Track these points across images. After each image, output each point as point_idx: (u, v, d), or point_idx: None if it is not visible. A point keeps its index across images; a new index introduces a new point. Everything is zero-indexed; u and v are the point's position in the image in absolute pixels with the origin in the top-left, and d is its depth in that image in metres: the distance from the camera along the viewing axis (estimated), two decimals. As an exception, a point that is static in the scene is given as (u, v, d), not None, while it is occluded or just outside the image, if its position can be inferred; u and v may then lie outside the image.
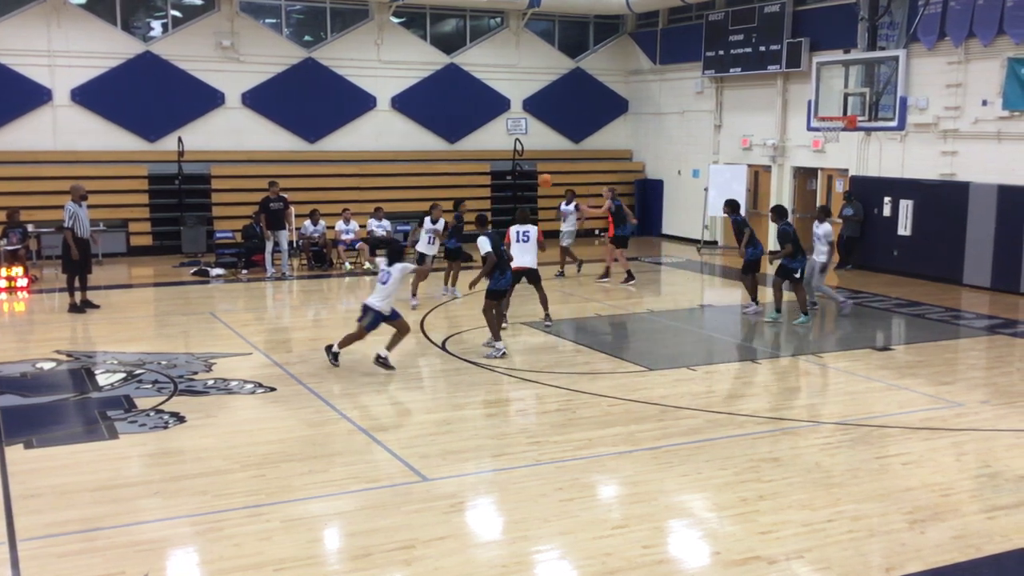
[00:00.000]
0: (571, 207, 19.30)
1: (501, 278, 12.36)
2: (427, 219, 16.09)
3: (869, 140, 19.80)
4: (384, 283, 11.19)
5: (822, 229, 14.73)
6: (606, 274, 18.29)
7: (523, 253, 13.39)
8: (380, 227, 20.76)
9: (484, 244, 12.24)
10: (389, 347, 11.33)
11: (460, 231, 16.34)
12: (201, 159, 22.04)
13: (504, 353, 12.02)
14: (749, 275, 15.10)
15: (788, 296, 14.63)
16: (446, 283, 16.47)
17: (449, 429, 9.24)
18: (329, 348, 11.56)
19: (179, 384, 10.74)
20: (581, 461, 8.32)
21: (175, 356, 12.09)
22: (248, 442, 8.80)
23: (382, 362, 11.26)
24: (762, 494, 7.54)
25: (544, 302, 13.92)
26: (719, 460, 8.30)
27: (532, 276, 13.62)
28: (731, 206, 15.37)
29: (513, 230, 13.63)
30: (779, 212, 14.81)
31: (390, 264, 11.35)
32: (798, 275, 14.16)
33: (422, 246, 15.88)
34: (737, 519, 7.06)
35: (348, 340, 11.42)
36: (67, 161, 21.08)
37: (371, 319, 11.22)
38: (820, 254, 14.60)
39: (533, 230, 13.48)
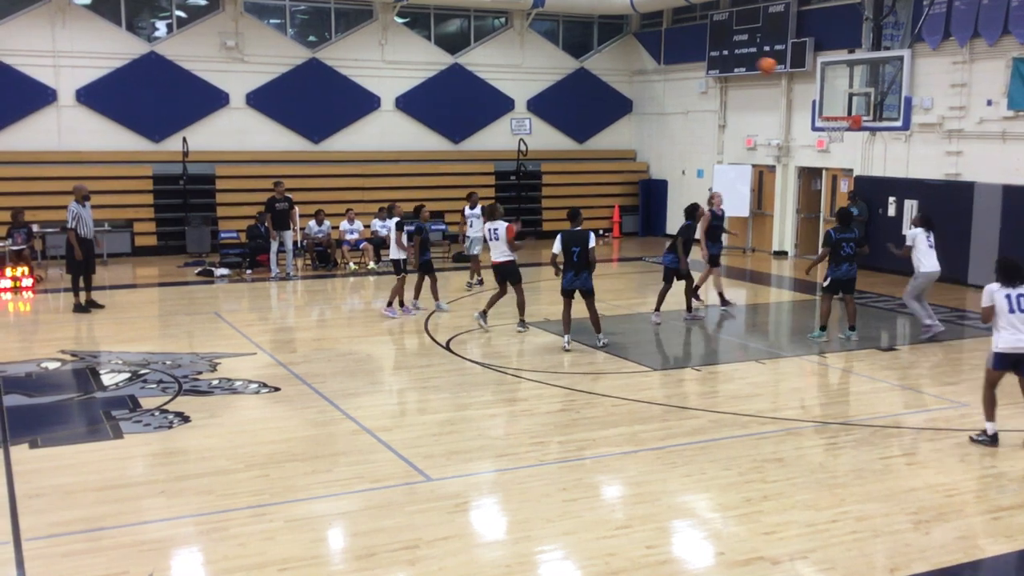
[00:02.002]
0: (476, 211, 17.54)
1: (562, 278, 12.45)
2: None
3: (873, 140, 19.77)
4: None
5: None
6: (695, 296, 15.48)
7: (494, 250, 13.67)
8: (384, 227, 20.76)
9: (555, 243, 12.41)
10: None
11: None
12: (205, 159, 22.09)
13: (565, 347, 12.38)
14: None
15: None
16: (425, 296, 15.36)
17: (453, 429, 9.24)
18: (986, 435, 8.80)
19: (183, 384, 10.75)
20: (585, 461, 8.32)
21: (180, 356, 12.11)
22: (252, 442, 8.81)
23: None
24: (766, 494, 7.53)
25: (520, 305, 13.56)
26: (723, 460, 8.29)
27: (505, 273, 13.59)
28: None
29: (485, 227, 14.03)
30: (846, 219, 13.10)
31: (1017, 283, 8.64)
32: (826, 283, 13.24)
33: (399, 253, 14.57)
34: (741, 519, 7.05)
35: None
36: (72, 161, 21.13)
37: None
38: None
39: (502, 226, 13.54)
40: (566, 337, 12.46)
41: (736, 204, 22.93)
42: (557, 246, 12.29)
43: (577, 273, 12.26)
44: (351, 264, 19.97)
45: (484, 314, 13.82)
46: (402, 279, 14.64)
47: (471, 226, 17.72)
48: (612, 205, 25.99)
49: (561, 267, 12.42)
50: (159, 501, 7.39)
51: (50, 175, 20.76)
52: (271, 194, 18.70)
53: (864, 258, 13.59)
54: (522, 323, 13.64)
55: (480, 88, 25.01)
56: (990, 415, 8.77)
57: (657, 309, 14.29)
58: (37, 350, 12.60)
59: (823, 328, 13.19)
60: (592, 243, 12.20)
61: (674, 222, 25.52)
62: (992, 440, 8.74)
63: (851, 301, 13.26)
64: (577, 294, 12.47)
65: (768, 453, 8.51)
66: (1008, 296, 8.59)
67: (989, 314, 8.70)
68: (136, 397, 10.22)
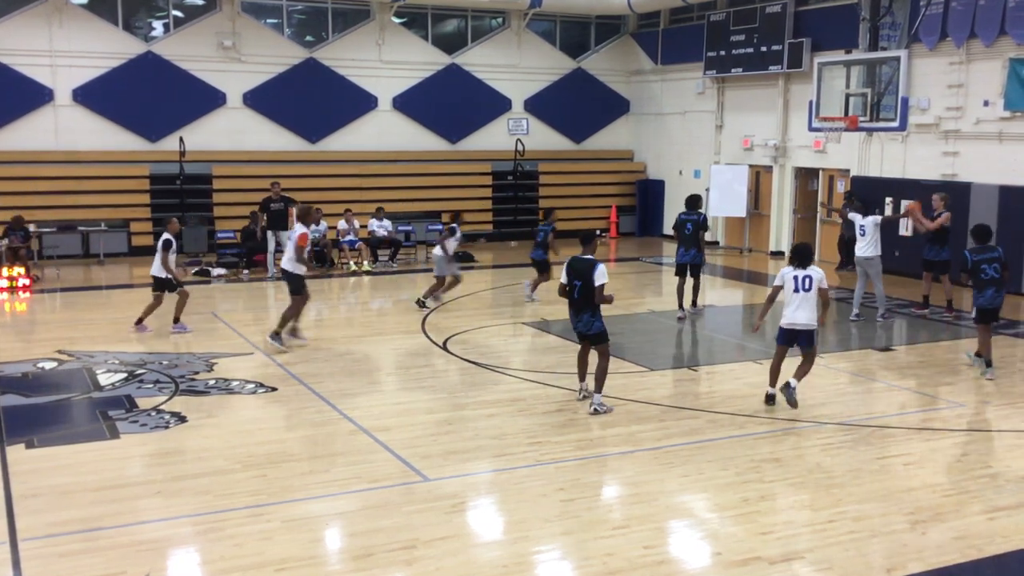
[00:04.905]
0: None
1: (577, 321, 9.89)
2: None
3: (870, 140, 19.80)
4: (807, 291, 9.65)
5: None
6: (949, 307, 14.91)
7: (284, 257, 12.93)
8: (381, 227, 20.78)
9: (562, 272, 10.02)
10: (800, 376, 9.92)
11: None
12: (202, 159, 22.05)
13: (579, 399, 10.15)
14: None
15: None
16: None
17: (450, 429, 9.24)
18: (788, 386, 9.84)
19: (180, 384, 10.74)
20: (582, 461, 8.32)
21: (176, 356, 12.10)
22: (249, 442, 8.81)
23: (790, 393, 9.83)
24: (763, 494, 7.54)
25: (286, 316, 12.67)
26: (720, 460, 8.30)
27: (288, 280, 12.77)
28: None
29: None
30: (985, 236, 11.50)
31: (805, 264, 9.73)
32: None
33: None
34: (738, 519, 7.06)
35: (803, 372, 9.94)
36: (68, 161, 21.10)
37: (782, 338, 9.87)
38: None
39: (296, 232, 12.72)
40: (581, 385, 10.14)
41: (733, 204, 22.99)
42: (564, 276, 9.80)
43: (578, 313, 9.72)
44: (351, 264, 19.94)
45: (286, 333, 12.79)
46: (160, 296, 13.55)
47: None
48: (609, 205, 26.01)
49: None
50: (156, 501, 7.38)
51: (47, 175, 20.74)
52: (267, 194, 18.70)
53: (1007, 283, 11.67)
54: (276, 335, 12.48)
55: (477, 88, 25.00)
56: (772, 382, 9.99)
57: (695, 303, 14.88)
58: (34, 350, 12.58)
59: (989, 364, 11.30)
60: (600, 279, 9.42)
61: (672, 222, 25.48)
62: (769, 400, 9.89)
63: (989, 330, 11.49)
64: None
65: (765, 453, 8.51)
66: (795, 277, 9.71)
67: (776, 292, 9.94)
68: (133, 397, 10.21)
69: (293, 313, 12.81)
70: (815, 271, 9.73)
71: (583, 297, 9.57)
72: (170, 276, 13.50)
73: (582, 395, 10.06)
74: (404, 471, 8.04)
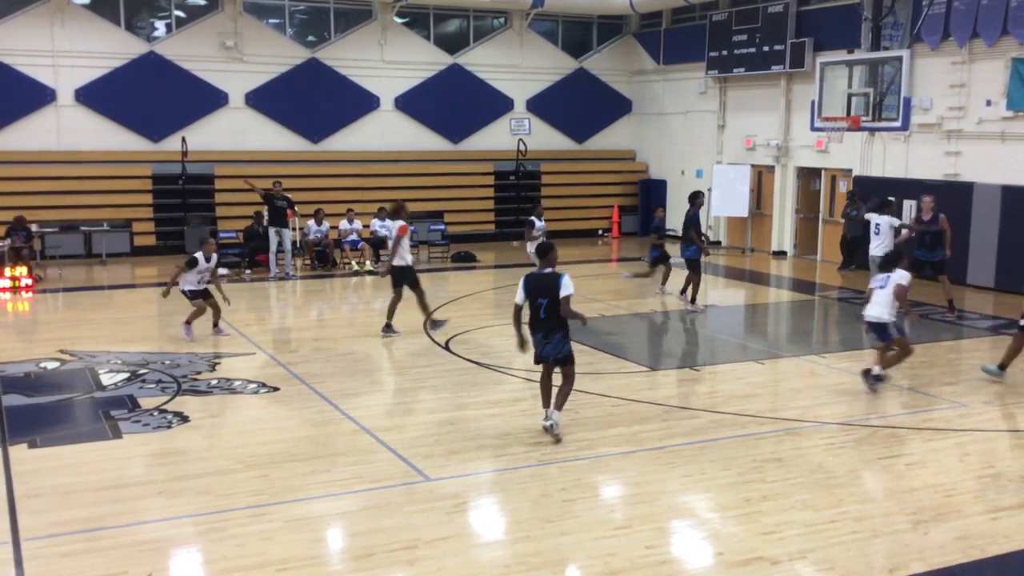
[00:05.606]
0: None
1: (532, 340, 8.94)
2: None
3: (873, 140, 19.78)
4: (883, 287, 10.47)
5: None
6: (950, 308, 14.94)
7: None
8: (383, 227, 20.75)
9: (518, 290, 9.04)
10: (885, 365, 10.59)
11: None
12: (205, 159, 22.08)
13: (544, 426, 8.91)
14: None
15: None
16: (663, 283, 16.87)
17: (452, 429, 9.23)
18: (868, 372, 10.57)
19: (183, 384, 10.75)
20: (584, 461, 8.32)
21: (179, 356, 12.11)
22: (251, 442, 8.81)
23: (874, 378, 10.54)
24: (765, 494, 7.53)
25: (423, 306, 13.42)
26: (722, 460, 8.30)
27: (400, 277, 13.32)
28: None
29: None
30: None
31: (889, 269, 10.58)
32: None
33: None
34: (740, 519, 7.05)
35: (890, 361, 10.59)
36: (71, 161, 21.14)
37: (876, 333, 10.56)
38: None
39: (393, 226, 13.28)
40: (545, 412, 8.90)
41: (735, 204, 22.99)
42: (520, 294, 8.85)
43: (547, 334, 8.69)
44: (353, 263, 19.95)
45: (388, 326, 13.33)
46: (203, 307, 13.39)
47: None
48: (611, 205, 26.02)
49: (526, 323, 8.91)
50: (158, 501, 7.39)
51: (49, 175, 20.77)
52: (269, 191, 18.72)
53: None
54: (434, 324, 13.40)
55: (479, 88, 25.01)
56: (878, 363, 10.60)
57: (694, 300, 15.16)
58: (36, 350, 12.59)
59: (1003, 367, 10.95)
60: (567, 290, 8.50)
61: (674, 222, 25.52)
62: (876, 378, 10.45)
63: None
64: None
65: (767, 453, 8.51)
66: (879, 276, 10.73)
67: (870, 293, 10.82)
68: (135, 397, 10.22)
69: (425, 304, 13.43)
70: (897, 273, 10.47)
71: (551, 315, 8.59)
72: (172, 284, 13.39)
73: (550, 422, 8.80)
74: (406, 471, 8.04)
